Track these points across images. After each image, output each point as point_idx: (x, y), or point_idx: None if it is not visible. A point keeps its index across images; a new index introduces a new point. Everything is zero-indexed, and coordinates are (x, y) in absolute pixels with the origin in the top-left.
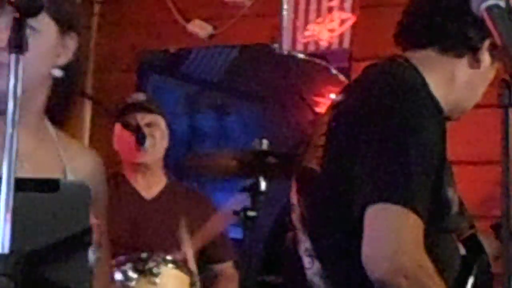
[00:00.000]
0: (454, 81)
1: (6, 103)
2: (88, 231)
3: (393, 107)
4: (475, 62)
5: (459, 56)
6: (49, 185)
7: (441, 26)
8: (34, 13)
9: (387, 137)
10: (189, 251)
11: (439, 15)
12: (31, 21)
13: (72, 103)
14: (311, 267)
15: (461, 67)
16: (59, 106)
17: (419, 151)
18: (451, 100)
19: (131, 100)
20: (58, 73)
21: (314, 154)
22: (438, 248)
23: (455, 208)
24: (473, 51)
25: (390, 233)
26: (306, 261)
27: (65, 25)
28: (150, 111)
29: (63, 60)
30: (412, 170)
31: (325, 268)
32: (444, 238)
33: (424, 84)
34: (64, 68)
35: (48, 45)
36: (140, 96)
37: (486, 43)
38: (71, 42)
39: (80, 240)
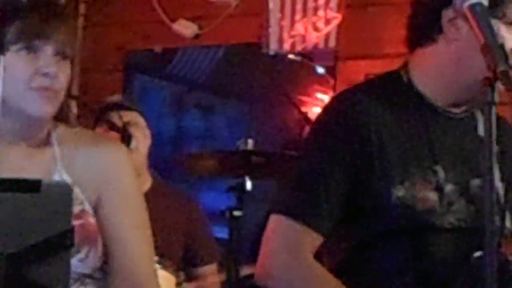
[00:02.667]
0: (439, 66)
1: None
2: (69, 232)
3: (316, 125)
4: (450, 36)
5: (434, 40)
6: (31, 186)
7: (412, 27)
8: (16, 14)
9: (301, 152)
10: None
11: (410, 19)
12: (64, 47)
13: None
14: None
15: (441, 48)
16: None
17: (316, 161)
18: (444, 84)
19: (108, 101)
20: None
21: None
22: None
23: (419, 206)
24: (440, 29)
25: (265, 240)
26: None
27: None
28: (128, 109)
29: None
30: (301, 182)
31: None
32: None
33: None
34: None
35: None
36: (117, 97)
37: (446, 13)
38: None
39: (61, 241)
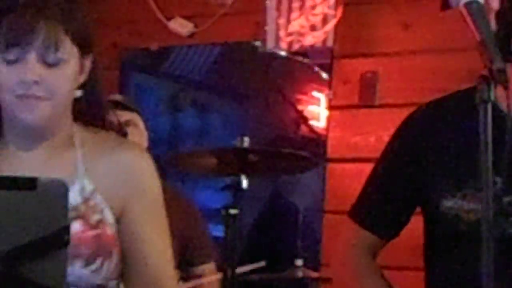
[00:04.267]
0: None
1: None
2: (65, 229)
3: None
4: None
5: None
6: (27, 183)
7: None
8: (9, 11)
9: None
10: None
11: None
12: (59, 53)
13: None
14: None
15: None
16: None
17: (378, 170)
18: None
19: (108, 99)
20: (78, 93)
21: None
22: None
23: (465, 217)
24: None
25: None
26: None
27: (85, 48)
28: (127, 109)
29: (81, 80)
30: (365, 186)
31: None
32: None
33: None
34: (83, 86)
35: (73, 71)
36: (117, 96)
37: None
38: (88, 62)
39: (57, 239)
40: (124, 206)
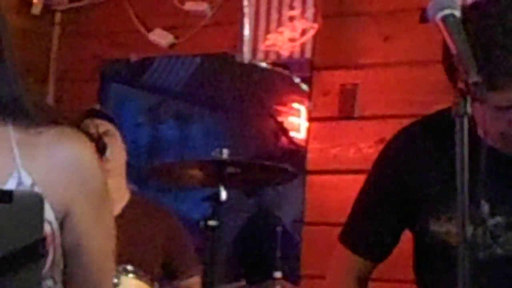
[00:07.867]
0: None
1: None
2: (41, 242)
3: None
4: None
5: None
6: (2, 196)
7: None
8: None
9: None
10: None
11: None
12: None
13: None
14: None
15: None
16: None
17: (364, 194)
18: None
19: (87, 108)
20: None
21: None
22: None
23: (452, 241)
24: None
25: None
26: None
27: None
28: (105, 118)
29: None
30: (353, 210)
31: None
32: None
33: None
34: None
35: None
36: (96, 106)
37: None
38: None
39: (32, 251)
40: (68, 203)
